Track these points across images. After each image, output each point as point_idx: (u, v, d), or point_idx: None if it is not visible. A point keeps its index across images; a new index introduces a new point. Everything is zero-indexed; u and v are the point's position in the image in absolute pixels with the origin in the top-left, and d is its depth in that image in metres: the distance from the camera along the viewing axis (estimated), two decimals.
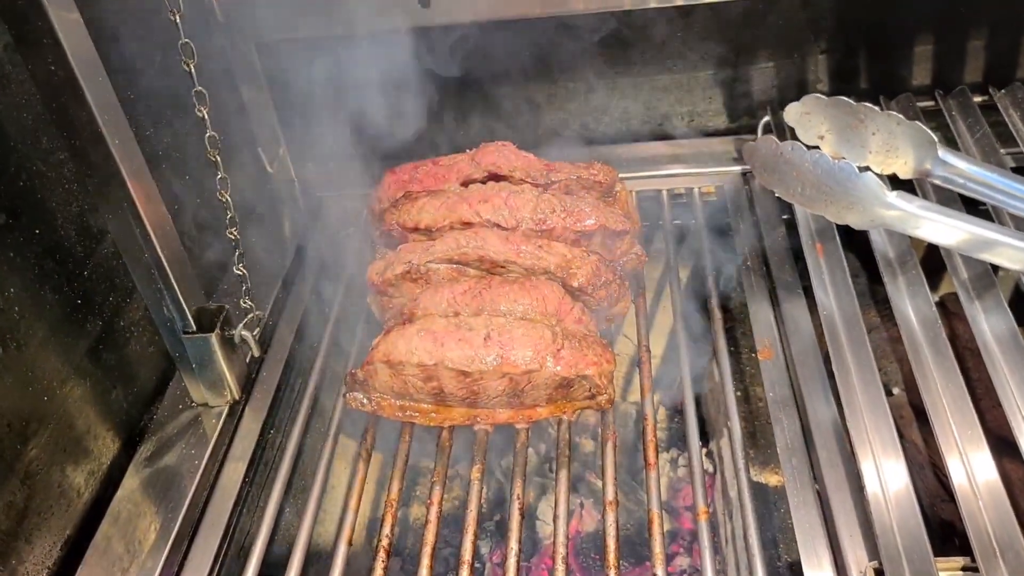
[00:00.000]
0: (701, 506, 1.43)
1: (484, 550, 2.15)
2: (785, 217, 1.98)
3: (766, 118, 2.08)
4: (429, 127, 2.22)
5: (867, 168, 1.75)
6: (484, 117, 2.23)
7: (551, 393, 1.51)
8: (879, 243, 1.73)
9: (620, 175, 2.14)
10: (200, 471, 1.59)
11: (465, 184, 1.80)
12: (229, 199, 1.49)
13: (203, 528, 1.53)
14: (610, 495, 1.45)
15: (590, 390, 1.51)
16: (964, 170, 1.64)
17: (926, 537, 1.30)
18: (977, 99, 2.01)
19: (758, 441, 1.93)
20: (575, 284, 1.61)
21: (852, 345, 1.57)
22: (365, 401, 1.59)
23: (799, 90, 2.18)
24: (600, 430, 1.57)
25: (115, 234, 1.44)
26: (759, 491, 1.93)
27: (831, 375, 1.58)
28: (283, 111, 2.16)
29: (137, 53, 1.62)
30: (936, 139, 1.65)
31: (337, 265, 2.00)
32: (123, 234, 1.44)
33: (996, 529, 1.30)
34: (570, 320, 1.57)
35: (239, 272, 1.59)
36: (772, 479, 1.95)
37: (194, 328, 1.58)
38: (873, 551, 1.33)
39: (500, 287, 1.58)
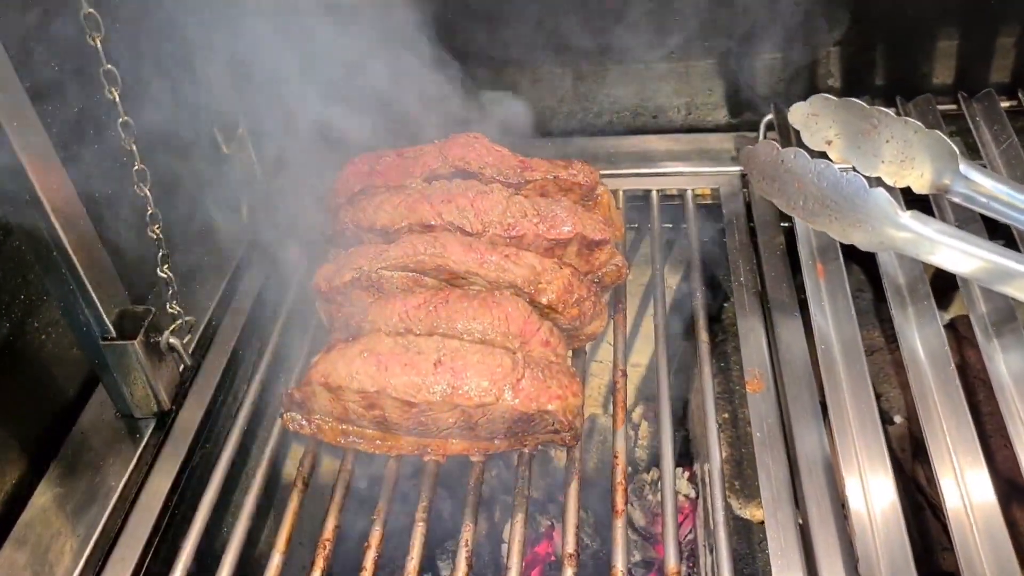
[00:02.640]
0: (672, 567, 1.26)
1: (444, 572, 1.99)
2: (784, 225, 1.80)
3: (769, 116, 1.88)
4: (400, 110, 2.03)
5: (878, 181, 1.57)
6: (459, 102, 2.03)
7: (509, 427, 1.34)
8: (888, 264, 1.55)
9: (607, 171, 1.97)
10: (119, 489, 1.43)
11: (429, 180, 1.62)
12: (149, 193, 1.31)
13: (118, 551, 1.37)
14: (570, 546, 1.28)
15: (553, 425, 1.33)
16: (988, 188, 1.45)
17: None
18: (1004, 103, 1.81)
19: (744, 471, 1.77)
20: (544, 301, 1.44)
21: (851, 380, 1.40)
22: (304, 423, 1.42)
23: (808, 85, 1.99)
24: (564, 467, 1.40)
25: (17, 224, 1.26)
26: (742, 527, 1.77)
27: (824, 407, 1.41)
28: (244, 86, 1.97)
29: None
30: (958, 152, 1.46)
31: (291, 262, 1.82)
32: (27, 225, 1.26)
33: None
34: (536, 342, 1.39)
35: (163, 275, 1.41)
36: (758, 514, 1.79)
37: (113, 334, 1.41)
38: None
39: (458, 302, 1.40)
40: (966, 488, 1.28)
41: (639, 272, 2.11)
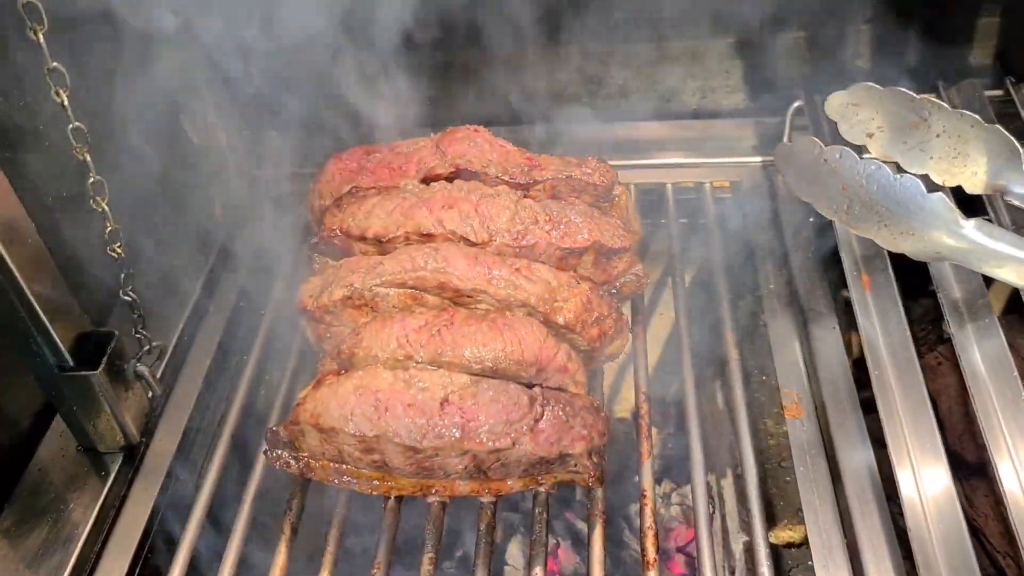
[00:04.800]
0: None
1: None
2: (812, 220, 1.64)
3: (797, 103, 1.71)
4: (390, 96, 1.85)
5: (925, 179, 1.41)
6: (456, 87, 1.85)
7: (525, 471, 1.18)
8: (942, 277, 1.39)
9: (617, 162, 1.79)
10: (84, 535, 1.27)
11: (426, 181, 1.44)
12: (107, 207, 1.13)
13: None
14: None
15: (575, 466, 1.18)
16: None
17: None
18: None
19: (767, 488, 1.63)
20: (560, 321, 1.27)
21: (909, 413, 1.25)
22: (291, 461, 1.25)
23: (834, 66, 1.82)
24: (588, 507, 1.25)
25: None
26: (773, 555, 1.64)
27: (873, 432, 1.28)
28: (212, 68, 1.77)
29: None
30: (1022, 150, 1.31)
31: (271, 267, 1.64)
32: None
33: None
34: (553, 369, 1.23)
35: (127, 298, 1.23)
36: (783, 536, 1.67)
37: (71, 364, 1.24)
38: None
39: (465, 324, 1.23)
40: None
41: (649, 269, 1.95)
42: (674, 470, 2.05)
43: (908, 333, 1.33)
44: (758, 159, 1.77)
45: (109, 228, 1.15)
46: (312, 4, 1.59)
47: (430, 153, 1.48)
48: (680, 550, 1.97)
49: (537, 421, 1.12)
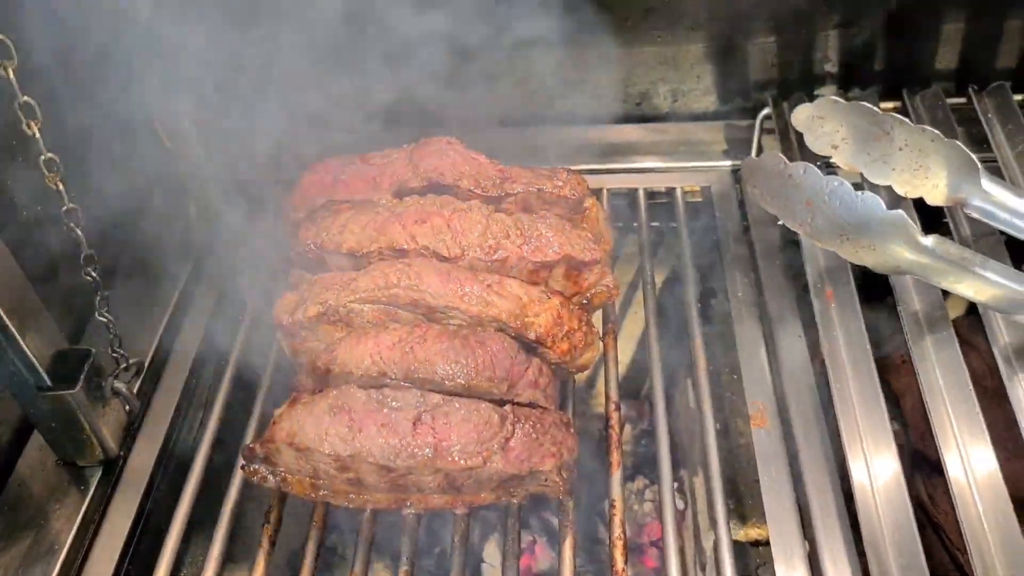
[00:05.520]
0: None
1: None
2: (780, 224, 1.67)
3: (766, 110, 1.74)
4: (364, 100, 1.85)
5: (888, 190, 1.45)
6: (428, 90, 1.86)
7: (497, 485, 1.21)
8: (903, 290, 1.43)
9: (589, 166, 1.83)
10: (67, 546, 1.30)
11: (400, 194, 1.46)
12: (81, 234, 1.14)
13: None
14: None
15: (545, 481, 1.21)
16: (1010, 204, 1.34)
17: None
18: (1018, 97, 1.68)
19: (737, 487, 1.68)
20: (532, 336, 1.30)
21: (864, 407, 1.30)
22: (268, 476, 1.28)
23: (804, 71, 1.84)
24: (557, 521, 1.28)
25: None
26: (737, 551, 1.69)
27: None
28: (189, 70, 1.76)
29: None
30: (979, 164, 1.34)
31: (247, 277, 1.65)
32: None
33: None
34: (524, 384, 1.26)
35: (103, 319, 1.25)
36: (752, 533, 1.71)
37: (49, 384, 1.25)
38: None
39: (437, 341, 1.25)
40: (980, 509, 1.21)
41: (621, 272, 1.98)
42: (647, 467, 2.09)
43: (868, 346, 1.37)
44: (728, 163, 1.80)
45: (84, 253, 1.16)
46: (288, 6, 1.60)
47: (403, 166, 1.49)
48: (654, 544, 2.02)
49: (508, 440, 1.15)
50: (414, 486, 1.19)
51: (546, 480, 1.21)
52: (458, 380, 1.22)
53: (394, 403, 1.17)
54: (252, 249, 1.67)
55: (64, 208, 1.10)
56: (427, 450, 1.13)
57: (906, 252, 1.27)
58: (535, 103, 1.92)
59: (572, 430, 1.23)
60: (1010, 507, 1.20)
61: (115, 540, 1.34)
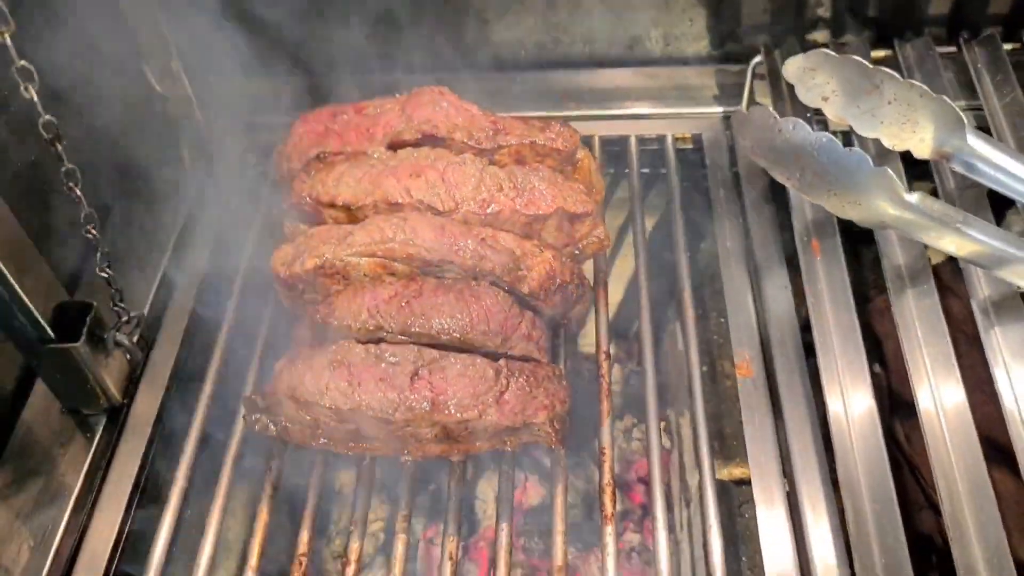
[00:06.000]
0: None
1: (417, 527, 1.96)
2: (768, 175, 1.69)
3: (757, 58, 1.74)
4: (355, 43, 1.85)
5: (876, 143, 1.47)
6: (420, 34, 1.85)
7: (492, 436, 1.26)
8: (886, 245, 1.46)
9: (580, 112, 1.84)
10: (77, 489, 1.34)
11: (394, 146, 1.47)
12: (80, 193, 1.15)
13: (84, 555, 1.31)
14: (559, 558, 1.23)
15: (539, 431, 1.26)
16: (996, 160, 1.36)
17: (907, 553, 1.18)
18: (1008, 46, 1.68)
19: (723, 428, 1.73)
20: (525, 290, 1.33)
21: (841, 345, 1.36)
22: (270, 425, 1.32)
23: (796, 14, 1.83)
24: (550, 468, 1.34)
25: None
26: (721, 491, 1.75)
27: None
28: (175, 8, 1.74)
29: None
30: (965, 120, 1.36)
31: (244, 221, 1.67)
32: None
33: (983, 551, 1.16)
34: (518, 337, 1.30)
35: (104, 275, 1.27)
36: (736, 472, 1.77)
37: (52, 337, 1.28)
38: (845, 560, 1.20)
39: (432, 295, 1.29)
40: (949, 445, 1.27)
41: (612, 215, 2.00)
42: (636, 406, 2.15)
43: (850, 295, 1.41)
44: (719, 110, 1.81)
45: (84, 211, 1.18)
46: None
47: (396, 117, 1.50)
48: (641, 480, 2.09)
49: (502, 393, 1.20)
50: (412, 437, 1.24)
51: (539, 431, 1.25)
52: (453, 334, 1.26)
53: (392, 358, 1.20)
54: (247, 197, 1.69)
55: (63, 169, 1.11)
56: (424, 404, 1.17)
57: (890, 208, 1.30)
58: (526, 47, 1.91)
59: (564, 382, 1.27)
60: (976, 441, 1.26)
61: (123, 485, 1.38)
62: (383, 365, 1.20)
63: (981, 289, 1.36)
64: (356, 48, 1.86)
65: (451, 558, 1.24)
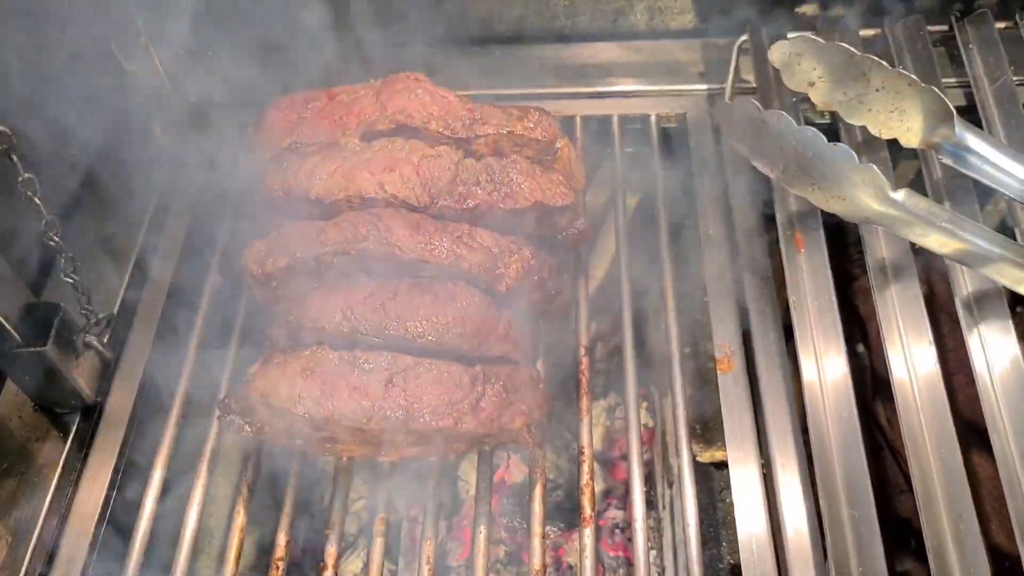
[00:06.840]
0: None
1: (400, 505, 1.96)
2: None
3: (743, 37, 1.69)
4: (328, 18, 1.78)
5: (863, 130, 1.44)
6: (396, 5, 1.78)
7: (468, 442, 1.25)
8: (872, 239, 1.43)
9: (562, 90, 1.79)
10: (54, 483, 1.33)
11: (367, 138, 1.42)
12: (39, 202, 1.11)
13: (63, 551, 1.31)
14: (537, 561, 1.23)
15: (515, 436, 1.24)
16: (984, 153, 1.33)
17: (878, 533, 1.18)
18: (1000, 24, 1.64)
19: (704, 410, 1.73)
20: (502, 288, 1.31)
21: (821, 335, 1.35)
22: (244, 425, 1.30)
23: None
24: (529, 469, 1.33)
25: None
26: (702, 474, 1.75)
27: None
28: None
29: None
30: (955, 112, 1.32)
31: (220, 210, 1.63)
32: None
33: (954, 534, 1.17)
34: (495, 338, 1.28)
35: (70, 280, 1.24)
36: (718, 455, 1.77)
37: (20, 342, 1.25)
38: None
39: (409, 297, 1.26)
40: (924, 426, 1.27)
41: (595, 192, 1.96)
42: (620, 384, 2.13)
43: (831, 282, 1.39)
44: (704, 87, 1.76)
45: (44, 219, 1.14)
46: None
47: (370, 105, 1.45)
48: (624, 457, 2.09)
49: (479, 400, 1.18)
50: (388, 444, 1.22)
51: (517, 435, 1.24)
52: (429, 337, 1.24)
53: (366, 365, 1.18)
54: (220, 183, 1.64)
55: (20, 179, 1.07)
56: (399, 412, 1.16)
57: (875, 204, 1.27)
58: (505, 20, 1.85)
59: (542, 386, 1.26)
60: (950, 418, 1.26)
61: (99, 481, 1.37)
62: (357, 372, 1.18)
63: (965, 286, 1.35)
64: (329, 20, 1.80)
65: (428, 563, 1.24)
